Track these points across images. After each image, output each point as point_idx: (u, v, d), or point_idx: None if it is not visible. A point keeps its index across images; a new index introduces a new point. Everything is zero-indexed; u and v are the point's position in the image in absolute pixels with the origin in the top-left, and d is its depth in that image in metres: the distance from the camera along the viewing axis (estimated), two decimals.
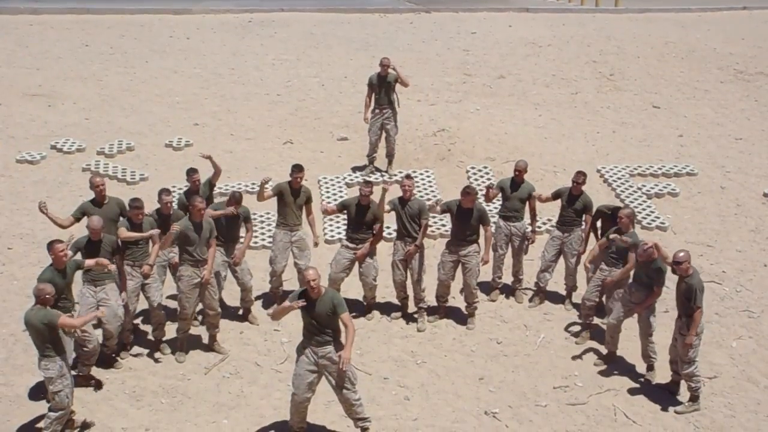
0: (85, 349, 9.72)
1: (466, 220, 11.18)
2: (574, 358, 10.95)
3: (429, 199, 13.86)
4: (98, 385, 10.06)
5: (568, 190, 11.72)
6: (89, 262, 9.62)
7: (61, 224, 10.75)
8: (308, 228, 11.63)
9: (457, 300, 11.82)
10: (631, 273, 10.50)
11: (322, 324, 8.84)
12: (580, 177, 11.62)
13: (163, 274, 11.06)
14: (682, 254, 9.67)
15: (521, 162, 11.90)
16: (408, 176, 11.50)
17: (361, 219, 11.23)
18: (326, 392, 9.35)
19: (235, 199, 11.09)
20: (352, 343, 8.80)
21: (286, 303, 8.91)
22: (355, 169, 15.38)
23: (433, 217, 13.62)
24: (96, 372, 10.13)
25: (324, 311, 8.78)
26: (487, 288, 12.20)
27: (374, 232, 11.32)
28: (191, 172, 11.34)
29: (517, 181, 11.82)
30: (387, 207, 11.22)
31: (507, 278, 12.23)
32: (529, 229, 12.00)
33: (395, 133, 14.98)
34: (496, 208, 13.16)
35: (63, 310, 9.06)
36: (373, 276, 11.44)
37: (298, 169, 11.38)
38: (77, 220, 10.79)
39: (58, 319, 8.64)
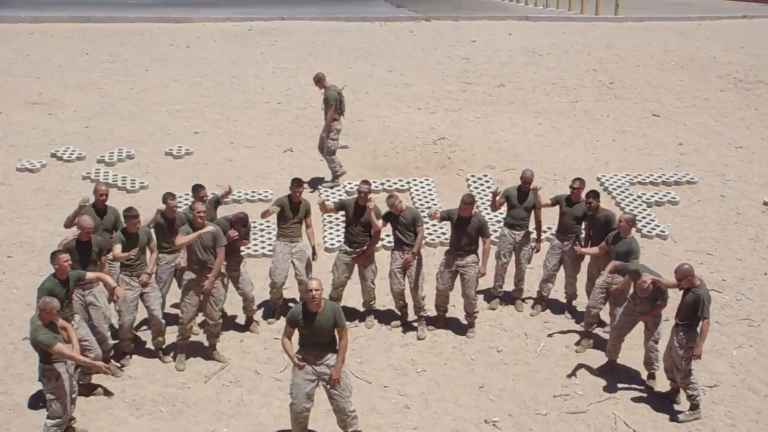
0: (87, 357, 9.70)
1: (464, 229, 11.17)
2: (572, 371, 10.91)
3: (428, 208, 13.86)
4: (107, 393, 10.09)
5: (567, 196, 11.73)
6: (90, 275, 9.61)
7: (69, 222, 10.68)
8: (307, 239, 11.62)
9: (457, 309, 11.80)
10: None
11: (322, 336, 8.80)
12: (576, 182, 11.64)
13: (169, 278, 11.08)
14: (686, 267, 9.65)
15: (528, 172, 11.85)
16: (390, 197, 11.28)
17: (358, 219, 11.23)
18: (327, 401, 9.33)
19: (241, 221, 11.02)
20: (342, 361, 8.82)
21: (290, 352, 8.92)
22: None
23: (433, 224, 13.66)
24: (96, 379, 10.13)
25: (326, 324, 8.73)
26: (488, 296, 12.19)
27: (371, 234, 11.31)
28: (198, 188, 11.29)
29: (523, 191, 11.80)
30: (380, 222, 11.20)
31: (507, 286, 12.21)
32: (533, 236, 11.99)
33: (325, 150, 14.72)
34: (497, 215, 13.18)
35: (64, 319, 9.05)
36: (371, 279, 11.43)
37: (297, 183, 11.38)
38: None
39: (52, 348, 8.59)
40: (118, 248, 10.20)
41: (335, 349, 8.90)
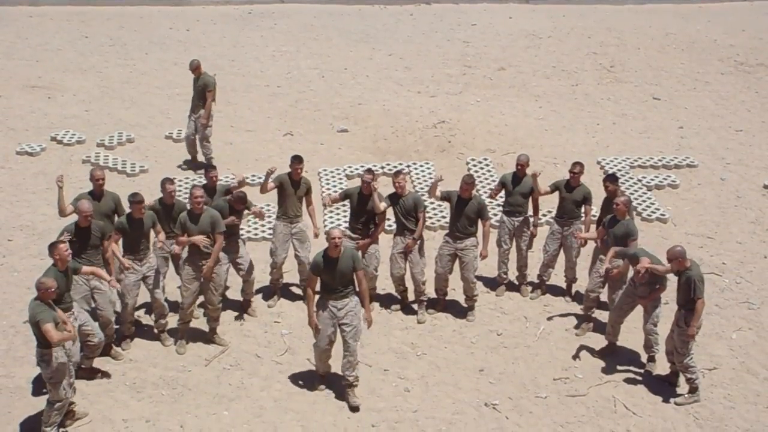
0: (90, 343, 9.73)
1: (463, 211, 11.16)
2: (574, 353, 10.95)
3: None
4: (105, 375, 10.13)
5: (566, 181, 11.68)
6: (86, 269, 9.61)
7: (62, 209, 10.62)
8: (308, 219, 11.61)
9: (457, 292, 11.81)
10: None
11: (342, 280, 9.60)
12: (576, 167, 11.56)
13: (165, 265, 11.07)
14: (678, 249, 9.67)
15: (523, 156, 11.79)
16: (397, 173, 11.30)
17: (363, 208, 11.22)
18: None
19: (241, 200, 10.97)
20: (369, 301, 9.85)
21: (310, 305, 9.68)
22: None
23: (433, 207, 13.64)
24: (97, 363, 10.15)
25: (346, 269, 9.56)
26: (493, 284, 12.17)
27: (376, 222, 11.30)
28: (210, 169, 11.32)
29: (519, 175, 11.73)
30: (383, 205, 11.18)
31: (512, 274, 12.20)
32: (532, 221, 11.96)
33: (201, 136, 14.56)
34: (499, 205, 13.10)
35: (64, 310, 9.09)
36: (374, 266, 11.41)
37: (297, 160, 11.36)
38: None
39: (43, 325, 8.57)
40: (114, 246, 10.23)
41: (354, 293, 9.73)
